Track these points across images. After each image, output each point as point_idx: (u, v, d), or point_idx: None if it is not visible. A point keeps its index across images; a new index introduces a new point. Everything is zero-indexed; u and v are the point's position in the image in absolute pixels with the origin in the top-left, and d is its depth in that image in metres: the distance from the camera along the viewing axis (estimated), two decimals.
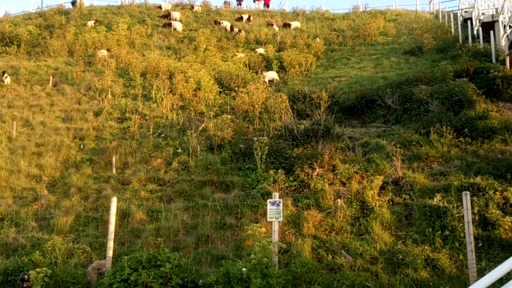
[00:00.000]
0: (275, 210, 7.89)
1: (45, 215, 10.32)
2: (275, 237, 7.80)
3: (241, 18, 29.86)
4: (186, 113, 15.73)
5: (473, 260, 6.99)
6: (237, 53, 24.23)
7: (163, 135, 14.29)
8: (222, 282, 6.93)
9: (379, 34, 25.96)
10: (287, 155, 11.91)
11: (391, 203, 9.81)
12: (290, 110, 15.10)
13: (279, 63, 21.90)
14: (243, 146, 12.86)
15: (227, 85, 18.31)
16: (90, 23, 27.24)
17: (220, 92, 17.95)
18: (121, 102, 16.98)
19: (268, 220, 8.13)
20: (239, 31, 27.27)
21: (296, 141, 12.68)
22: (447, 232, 8.44)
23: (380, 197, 9.86)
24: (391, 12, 30.87)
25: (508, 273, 4.33)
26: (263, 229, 7.75)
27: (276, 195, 8.16)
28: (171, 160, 12.82)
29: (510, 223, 8.30)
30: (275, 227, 7.87)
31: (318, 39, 25.62)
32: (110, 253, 8.04)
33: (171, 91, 17.56)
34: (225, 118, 13.76)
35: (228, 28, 27.61)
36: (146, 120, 15.41)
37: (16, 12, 34.94)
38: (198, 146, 13.05)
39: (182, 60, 21.60)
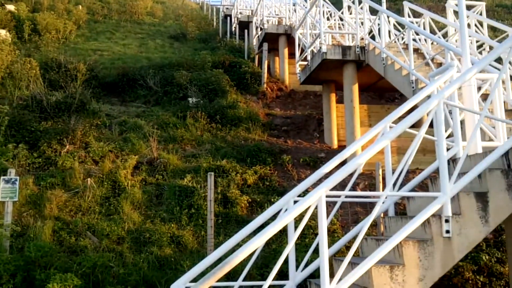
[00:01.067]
0: (10, 188, 6.90)
1: None
2: (8, 219, 6.83)
3: None
4: None
5: (211, 235, 7.61)
6: None
7: None
8: None
9: (146, 14, 25.72)
10: (33, 129, 10.63)
11: (144, 183, 9.84)
12: (40, 79, 13.51)
13: (33, 26, 19.34)
14: None
15: None
16: None
17: None
18: None
19: (1, 200, 7.06)
20: None
21: (46, 114, 11.44)
22: (193, 210, 8.96)
23: (134, 177, 9.78)
24: None
25: (238, 245, 4.81)
26: None
27: (11, 172, 7.14)
28: None
29: (245, 202, 9.34)
30: (9, 208, 6.90)
31: (80, 6, 23.71)
32: None
33: None
34: None
35: None
36: None
37: None
38: None
39: None
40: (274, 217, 5.02)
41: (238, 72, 16.54)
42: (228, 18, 24.05)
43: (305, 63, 12.63)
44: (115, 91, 15.39)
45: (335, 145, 12.19)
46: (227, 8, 27.47)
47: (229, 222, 9.00)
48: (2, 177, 7.05)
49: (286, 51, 17.21)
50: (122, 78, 15.54)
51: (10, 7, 21.03)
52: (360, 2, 10.90)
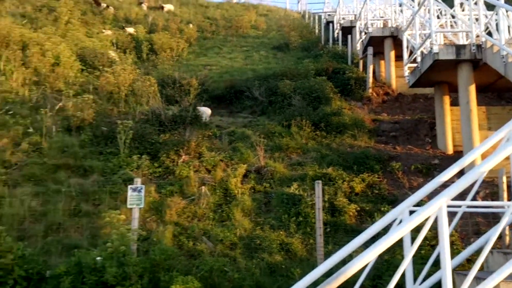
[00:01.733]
0: (136, 196, 7.59)
1: None
2: (135, 224, 7.52)
3: None
4: (40, 89, 14.25)
5: (321, 243, 7.60)
6: (104, 30, 22.75)
7: (11, 112, 12.74)
8: (73, 272, 6.45)
9: (250, 27, 26.67)
10: (153, 141, 11.58)
11: (252, 190, 10.16)
12: (158, 94, 14.67)
13: (150, 45, 21.13)
14: (106, 129, 12.14)
15: (90, 63, 17.05)
16: None
17: (82, 70, 16.64)
18: None
19: (128, 206, 7.80)
20: (107, 7, 25.64)
21: (163, 127, 12.39)
22: (301, 218, 9.04)
23: (243, 185, 10.15)
24: (263, 7, 31.94)
25: (350, 255, 4.75)
26: (123, 216, 7.41)
27: (138, 181, 7.86)
28: (21, 140, 11.50)
29: (354, 210, 9.19)
30: (136, 214, 7.58)
31: (191, 25, 25.35)
32: None
33: (23, 64, 15.70)
34: (86, 98, 12.81)
35: (93, 1, 25.76)
36: None
37: None
38: (54, 126, 11.95)
39: (39, 31, 19.48)
40: (386, 227, 4.88)
41: (342, 78, 16.38)
42: (330, 24, 23.94)
43: (415, 65, 12.08)
44: (223, 102, 16.17)
45: (450, 150, 11.45)
46: (329, 15, 27.43)
47: (337, 231, 8.92)
48: (129, 186, 7.80)
49: (392, 54, 16.62)
50: (229, 90, 16.27)
51: (130, 29, 23.23)
52: None
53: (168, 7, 28.04)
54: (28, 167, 10.36)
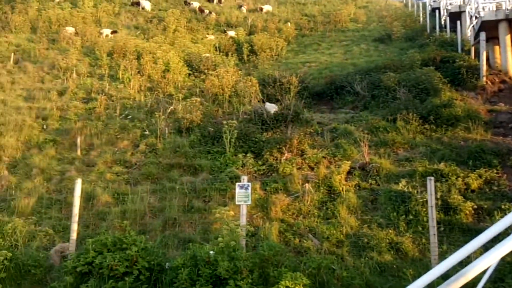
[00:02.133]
0: (244, 193, 7.85)
1: (5, 197, 9.94)
2: (243, 220, 7.78)
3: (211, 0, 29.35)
4: (154, 94, 15.42)
5: (435, 243, 7.19)
6: (207, 35, 23.89)
7: (130, 116, 13.98)
8: (189, 265, 6.86)
9: (349, 21, 26.12)
10: (256, 139, 11.89)
11: (357, 188, 9.95)
12: (260, 94, 15.03)
13: (250, 47, 21.72)
14: (212, 129, 12.75)
15: (196, 67, 18.05)
16: None
17: (189, 74, 17.68)
18: (87, 82, 16.47)
19: (237, 203, 8.09)
20: (210, 13, 26.85)
21: (266, 126, 12.67)
22: (411, 217, 8.65)
23: (347, 182, 9.99)
24: None
25: (468, 257, 4.44)
26: (231, 213, 7.72)
27: (245, 179, 8.12)
28: (138, 142, 12.58)
29: (470, 208, 8.55)
30: (243, 211, 7.85)
31: (289, 23, 25.54)
32: (74, 235, 7.83)
33: (139, 72, 17.15)
34: (194, 101, 13.57)
35: (198, 9, 27.13)
36: (113, 101, 15.01)
37: None
38: (166, 128, 12.85)
39: (151, 40, 21.11)
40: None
41: (452, 68, 15.36)
42: (436, 11, 22.49)
43: None
44: (323, 99, 16.06)
45: None
46: (434, 1, 25.79)
47: (452, 230, 8.38)
48: (237, 184, 8.10)
49: (508, 38, 15.17)
50: (330, 86, 16.12)
51: (231, 33, 24.08)
52: None
53: (267, 8, 28.54)
54: (146, 167, 11.26)
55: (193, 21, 25.48)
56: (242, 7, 28.66)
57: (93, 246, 7.22)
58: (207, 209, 9.65)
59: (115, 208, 9.59)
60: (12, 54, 18.98)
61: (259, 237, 8.42)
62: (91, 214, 9.39)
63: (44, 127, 13.50)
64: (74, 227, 7.92)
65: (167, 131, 12.72)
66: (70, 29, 21.73)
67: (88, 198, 9.75)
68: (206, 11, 27.03)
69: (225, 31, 24.41)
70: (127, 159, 11.76)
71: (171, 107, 14.10)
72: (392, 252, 7.93)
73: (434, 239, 7.18)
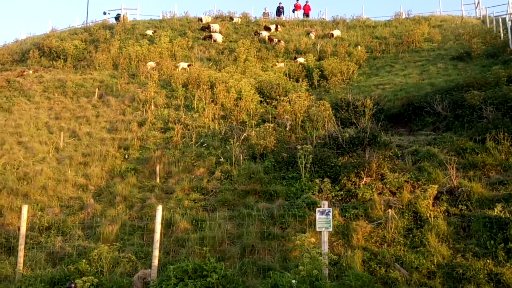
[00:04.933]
0: (325, 219, 7.54)
1: (91, 224, 10.37)
2: (325, 247, 7.44)
3: (268, 29, 29.57)
4: (227, 122, 15.64)
5: None
6: (277, 63, 24.14)
7: (205, 144, 14.23)
8: None
9: (423, 41, 25.21)
10: (332, 164, 11.54)
11: (446, 214, 9.23)
12: (333, 118, 14.72)
13: (320, 72, 21.57)
14: (286, 155, 12.59)
15: (267, 94, 18.16)
16: (149, 32, 28.22)
17: (261, 101, 17.82)
18: (164, 113, 17.12)
19: (317, 229, 7.79)
20: (279, 41, 27.20)
21: (341, 150, 12.28)
22: (511, 245, 7.81)
23: (435, 208, 9.30)
24: (435, 18, 29.98)
25: None
26: (312, 239, 7.42)
27: (325, 204, 7.82)
28: (214, 169, 12.71)
29: None
30: (325, 237, 7.51)
31: (359, 47, 25.14)
32: (155, 262, 7.92)
33: (212, 101, 17.58)
34: (267, 127, 13.55)
35: (267, 38, 27.58)
36: (189, 129, 15.43)
37: (62, 27, 36.32)
38: (241, 155, 12.89)
39: (223, 71, 21.66)
40: None
41: None
42: None
43: None
44: (401, 121, 15.40)
45: None
46: None
47: None
48: (317, 209, 7.81)
49: None
50: (407, 107, 15.45)
51: (300, 59, 24.12)
52: None
53: (336, 33, 28.39)
54: (222, 193, 11.30)
55: (262, 50, 25.93)
56: (311, 34, 28.77)
57: (174, 273, 7.24)
58: (285, 236, 9.40)
59: (193, 234, 9.64)
60: (97, 89, 20.31)
61: (341, 266, 8.00)
62: (171, 241, 9.49)
63: (126, 156, 14.11)
64: (156, 253, 8.02)
65: (241, 158, 12.76)
66: (151, 63, 22.96)
67: (167, 224, 9.90)
68: (275, 40, 27.41)
69: (295, 58, 24.51)
70: (204, 186, 11.89)
71: (245, 134, 14.17)
72: (491, 284, 7.17)
73: None
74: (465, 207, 9.29)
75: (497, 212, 8.59)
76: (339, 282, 6.64)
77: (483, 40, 22.16)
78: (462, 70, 19.32)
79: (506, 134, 11.20)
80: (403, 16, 31.38)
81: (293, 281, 6.62)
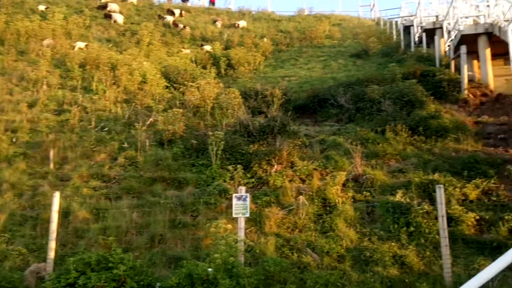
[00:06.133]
0: (242, 205, 7.31)
1: None
2: (241, 234, 7.21)
3: (172, 13, 28.69)
4: (131, 106, 14.69)
5: (448, 255, 6.81)
6: (182, 49, 23.40)
7: (106, 128, 13.19)
8: (185, 284, 6.22)
9: (325, 37, 26.23)
10: (244, 151, 11.39)
11: (353, 200, 9.56)
12: (243, 106, 14.57)
13: (227, 61, 21.34)
14: (196, 141, 12.16)
15: (174, 79, 17.47)
16: (41, 7, 25.39)
17: (167, 86, 17.07)
18: (58, 94, 15.55)
19: (234, 215, 7.53)
20: (184, 27, 26.43)
21: (252, 138, 12.18)
22: (412, 228, 8.30)
23: (343, 194, 9.58)
24: (335, 17, 31.44)
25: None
26: (229, 226, 7.15)
27: (242, 190, 7.58)
28: (117, 155, 11.81)
29: (473, 219, 8.29)
30: (241, 224, 7.28)
31: (265, 39, 25.40)
32: (51, 254, 7.08)
33: (114, 84, 16.39)
34: (176, 112, 12.96)
35: (172, 23, 26.65)
36: (87, 113, 14.16)
37: None
38: (147, 141, 12.16)
39: (125, 53, 20.32)
40: None
41: (432, 81, 15.42)
42: (410, 28, 22.87)
43: None
44: (307, 112, 15.74)
45: None
46: (405, 20, 26.27)
47: (455, 242, 8.04)
48: (234, 195, 7.54)
49: (487, 52, 15.37)
50: (312, 99, 15.84)
51: (207, 47, 23.67)
52: None
53: (242, 23, 28.37)
54: (126, 181, 10.53)
55: (167, 35, 24.98)
56: (217, 22, 28.43)
57: (75, 265, 6.50)
58: (195, 224, 9.04)
59: (94, 225, 8.83)
60: None
61: (255, 253, 7.85)
62: (68, 232, 8.59)
63: (14, 140, 12.51)
64: (52, 245, 7.17)
65: (147, 144, 12.04)
66: (48, 41, 20.77)
67: (64, 214, 8.88)
68: (181, 25, 26.60)
69: (201, 45, 23.99)
70: (105, 173, 10.98)
71: (151, 119, 13.42)
72: (396, 266, 7.52)
73: (446, 251, 6.81)
74: (369, 193, 9.71)
75: (398, 198, 9.09)
76: (260, 268, 6.45)
77: (378, 40, 23.68)
78: (360, 67, 20.42)
79: (403, 126, 11.98)
80: (306, 13, 32.41)
81: (209, 269, 6.29)
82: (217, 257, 6.52)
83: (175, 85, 16.91)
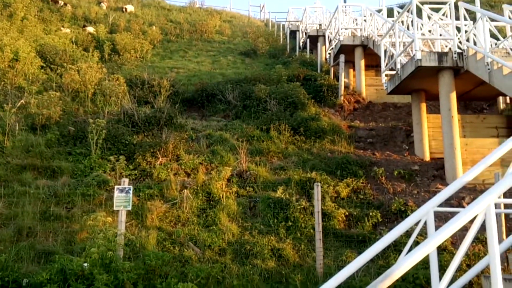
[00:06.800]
0: (124, 197, 7.00)
1: None
2: (122, 227, 6.92)
3: None
4: (0, 85, 13.18)
5: (321, 248, 7.32)
6: (62, 28, 21.63)
7: None
8: (57, 280, 5.79)
9: (215, 32, 26.32)
10: (127, 142, 10.93)
11: (236, 195, 9.76)
12: (128, 95, 13.98)
13: (112, 46, 20.26)
14: (73, 128, 11.36)
15: (51, 60, 16.09)
16: None
17: (42, 67, 15.64)
18: None
19: (115, 208, 7.18)
20: (65, 4, 24.47)
21: (137, 128, 11.76)
22: (290, 223, 8.75)
23: (227, 189, 9.73)
24: (226, 13, 31.71)
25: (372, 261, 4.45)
26: (109, 219, 6.80)
27: (125, 182, 7.27)
28: None
29: (343, 215, 9.01)
30: (123, 217, 6.98)
31: (154, 27, 24.65)
32: None
33: None
34: (52, 95, 11.95)
35: None
36: None
37: None
38: (17, 124, 11.03)
39: None
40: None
41: (314, 85, 16.37)
42: (297, 33, 24.05)
43: (392, 72, 12.21)
44: (194, 106, 15.68)
45: (427, 157, 11.61)
46: (291, 24, 27.56)
47: (327, 235, 8.67)
48: (116, 186, 7.19)
49: (362, 62, 16.85)
50: (201, 93, 15.81)
51: (90, 29, 22.22)
52: (456, 8, 10.43)
53: (130, 8, 27.18)
54: None
55: (45, 11, 22.87)
56: (102, 4, 26.84)
57: None
58: (69, 217, 8.44)
59: None
60: None
61: (134, 247, 7.60)
62: None
63: None
64: None
65: (17, 128, 10.92)
66: None
67: None
68: (61, 2, 24.57)
69: (84, 26, 22.43)
70: None
71: (22, 101, 12.19)
72: (274, 258, 7.87)
73: (319, 244, 7.31)
74: (252, 189, 10.00)
75: (278, 194, 9.50)
76: (140, 262, 6.25)
77: (266, 41, 24.46)
78: (249, 65, 20.91)
79: (286, 125, 12.56)
80: (197, 5, 32.19)
81: (85, 264, 5.93)
82: (93, 251, 6.16)
83: (52, 66, 15.56)
